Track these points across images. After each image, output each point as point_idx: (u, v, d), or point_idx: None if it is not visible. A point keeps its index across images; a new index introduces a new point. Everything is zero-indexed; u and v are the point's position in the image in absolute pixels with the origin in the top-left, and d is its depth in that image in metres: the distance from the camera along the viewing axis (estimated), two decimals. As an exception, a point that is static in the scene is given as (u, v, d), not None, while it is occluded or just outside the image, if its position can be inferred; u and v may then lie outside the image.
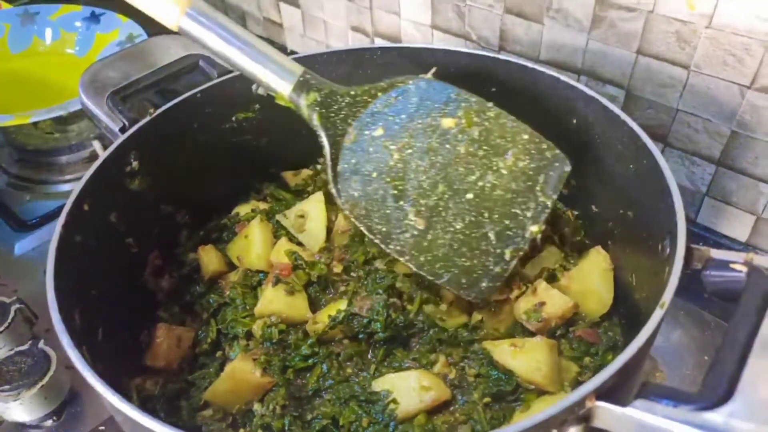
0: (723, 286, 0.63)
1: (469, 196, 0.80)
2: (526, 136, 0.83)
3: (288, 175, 1.12)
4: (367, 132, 0.82)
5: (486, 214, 0.80)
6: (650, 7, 1.00)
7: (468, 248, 0.81)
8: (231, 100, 1.01)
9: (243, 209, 1.05)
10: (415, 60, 1.04)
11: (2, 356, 0.95)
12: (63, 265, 0.71)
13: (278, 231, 1.00)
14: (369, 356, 0.85)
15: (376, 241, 0.80)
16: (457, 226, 0.80)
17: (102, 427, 0.94)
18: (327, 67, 1.05)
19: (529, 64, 0.95)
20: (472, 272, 0.80)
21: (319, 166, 1.13)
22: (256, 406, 0.79)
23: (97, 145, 1.39)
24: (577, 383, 0.80)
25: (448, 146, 0.82)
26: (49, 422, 0.95)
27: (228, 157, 1.04)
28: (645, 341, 0.54)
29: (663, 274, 0.67)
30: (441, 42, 1.35)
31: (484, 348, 0.83)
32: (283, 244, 0.96)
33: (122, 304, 0.83)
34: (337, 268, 0.94)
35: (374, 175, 0.81)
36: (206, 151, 1.01)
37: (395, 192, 0.80)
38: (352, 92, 0.84)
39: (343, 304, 0.87)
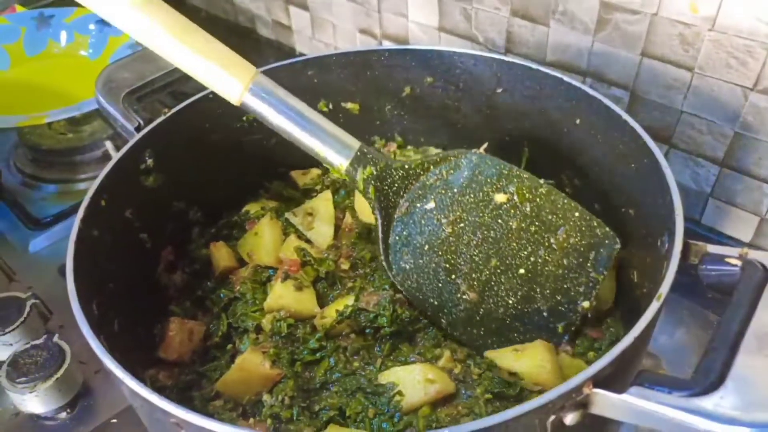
0: (718, 279, 0.65)
1: (522, 271, 0.80)
2: (577, 214, 0.82)
3: (297, 175, 1.14)
4: (419, 205, 0.84)
5: (538, 290, 0.80)
6: (654, 9, 1.02)
7: (521, 323, 0.82)
8: (242, 100, 1.04)
9: (253, 207, 1.07)
10: (423, 62, 1.06)
11: (19, 349, 0.97)
12: (81, 257, 0.73)
13: (287, 228, 1.02)
14: (375, 350, 0.86)
15: (427, 314, 0.81)
16: (510, 301, 0.80)
17: (114, 420, 0.96)
18: (335, 69, 1.08)
19: (534, 66, 0.97)
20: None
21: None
22: (266, 397, 0.80)
23: (109, 145, 1.42)
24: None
25: (500, 221, 0.82)
26: (63, 414, 0.97)
27: (238, 156, 1.07)
28: (641, 332, 0.56)
29: (663, 269, 0.68)
30: (448, 44, 1.37)
31: (487, 357, 0.84)
32: (292, 241, 0.98)
33: (137, 297, 0.86)
34: (345, 265, 0.96)
35: (426, 248, 0.82)
36: (217, 150, 1.03)
37: (447, 266, 0.81)
38: (406, 166, 0.85)
39: (350, 300, 0.89)
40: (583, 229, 0.81)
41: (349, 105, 1.12)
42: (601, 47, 1.12)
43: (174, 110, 0.95)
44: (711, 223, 1.15)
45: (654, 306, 0.58)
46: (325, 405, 0.79)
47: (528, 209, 0.82)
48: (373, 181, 0.83)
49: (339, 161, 0.82)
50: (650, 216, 0.79)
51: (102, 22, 1.69)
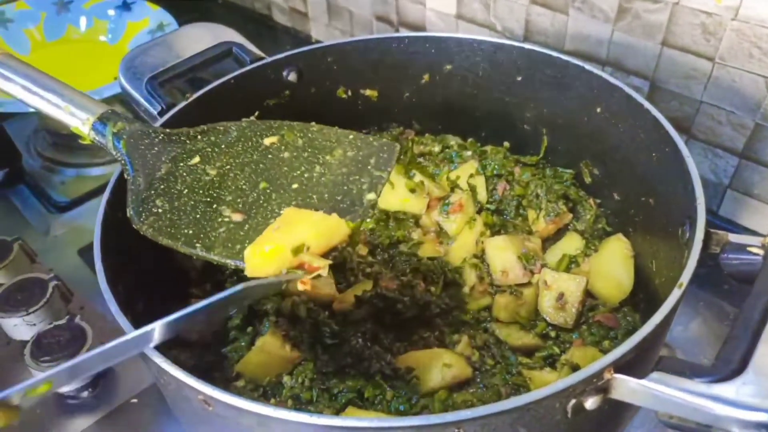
0: (740, 268, 0.65)
1: (295, 186, 0.78)
2: (351, 136, 0.82)
3: (315, 161, 1.14)
4: (182, 164, 0.80)
5: (315, 197, 0.76)
6: (676, -2, 1.02)
7: None
8: (262, 86, 1.05)
9: (272, 192, 1.08)
10: (442, 49, 1.06)
11: (42, 330, 0.99)
12: (107, 240, 0.75)
13: (306, 214, 1.02)
14: (394, 334, 0.87)
15: (179, 246, 0.73)
16: (282, 211, 0.75)
17: (134, 400, 0.98)
18: (355, 56, 1.08)
19: (555, 54, 0.97)
20: None
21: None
22: (286, 379, 0.82)
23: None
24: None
25: (270, 156, 0.81)
26: (85, 393, 0.99)
27: (258, 141, 1.07)
28: (663, 318, 0.57)
29: (682, 258, 0.69)
30: (465, 32, 1.37)
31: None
32: (311, 226, 0.99)
33: (159, 280, 0.87)
34: (363, 251, 0.97)
35: (185, 191, 0.78)
36: (238, 135, 1.04)
37: (208, 199, 0.77)
38: (168, 130, 0.82)
39: (368, 285, 0.90)
40: (360, 144, 0.81)
41: (368, 92, 1.12)
42: (621, 36, 1.12)
43: (196, 95, 0.96)
44: (728, 215, 1.15)
45: (675, 293, 0.59)
46: (344, 387, 0.80)
47: (300, 143, 0.82)
48: (125, 136, 0.79)
49: (85, 116, 0.79)
50: (670, 205, 0.79)
51: (121, 8, 1.70)
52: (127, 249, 0.78)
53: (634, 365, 0.55)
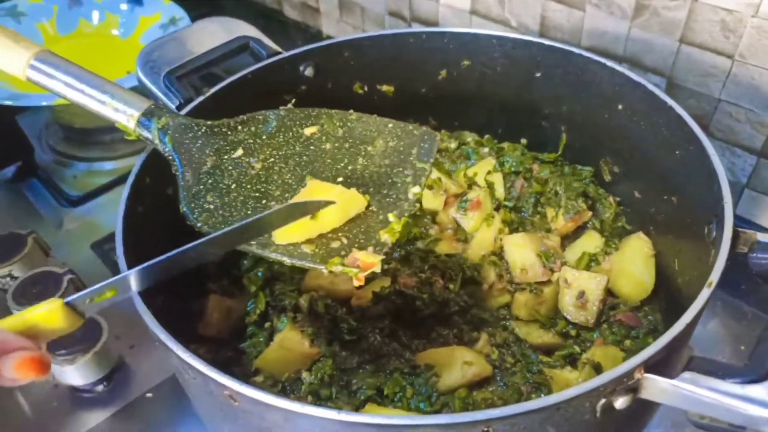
0: (769, 267, 0.65)
1: (340, 179, 0.78)
2: (391, 125, 0.83)
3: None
4: (225, 157, 0.81)
5: (361, 190, 0.77)
6: (696, -5, 1.01)
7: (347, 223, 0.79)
8: (279, 81, 1.04)
9: (288, 188, 1.07)
10: (460, 45, 1.05)
11: (57, 323, 0.99)
12: (128, 234, 0.75)
13: (323, 209, 1.02)
14: (412, 332, 0.87)
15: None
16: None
17: (149, 394, 0.98)
18: (372, 51, 1.07)
19: (575, 50, 0.96)
20: (354, 242, 0.75)
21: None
22: (305, 375, 0.81)
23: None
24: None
25: (312, 147, 0.82)
26: (100, 387, 0.99)
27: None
28: (693, 317, 0.56)
29: (708, 257, 0.68)
30: (480, 28, 1.36)
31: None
32: (328, 222, 0.98)
33: (177, 275, 0.87)
34: (380, 247, 0.96)
35: (233, 186, 0.78)
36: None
37: (257, 195, 0.78)
38: (209, 122, 0.83)
39: (386, 282, 0.89)
40: (400, 134, 0.82)
41: (384, 87, 1.11)
42: (638, 33, 1.11)
43: (214, 89, 0.95)
44: (745, 214, 1.14)
45: (705, 293, 0.58)
46: (363, 384, 0.80)
47: (340, 133, 0.82)
48: (170, 131, 0.79)
49: (130, 112, 0.79)
50: (694, 204, 0.78)
51: (133, 2, 1.69)
52: (147, 243, 0.78)
53: (663, 365, 0.55)
